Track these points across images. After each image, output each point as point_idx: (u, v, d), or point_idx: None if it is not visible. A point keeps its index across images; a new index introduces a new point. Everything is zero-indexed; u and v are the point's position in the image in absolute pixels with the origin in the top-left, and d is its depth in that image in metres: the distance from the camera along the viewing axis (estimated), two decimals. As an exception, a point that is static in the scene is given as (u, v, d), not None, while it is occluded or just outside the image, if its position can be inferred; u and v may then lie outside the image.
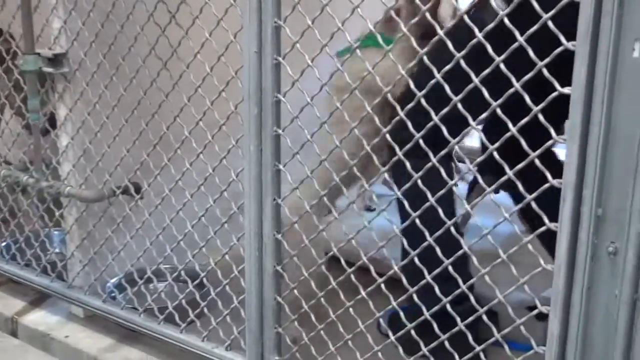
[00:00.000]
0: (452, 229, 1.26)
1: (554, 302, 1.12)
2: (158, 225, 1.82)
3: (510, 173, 1.15)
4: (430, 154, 1.26)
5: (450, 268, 1.28)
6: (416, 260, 1.33)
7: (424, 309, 1.34)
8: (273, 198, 1.53)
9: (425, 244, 1.31)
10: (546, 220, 1.09)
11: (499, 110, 1.15)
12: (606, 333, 1.08)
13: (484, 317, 1.26)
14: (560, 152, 1.17)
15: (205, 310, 1.77)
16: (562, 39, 1.02)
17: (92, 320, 2.11)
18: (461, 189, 2.29)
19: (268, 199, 1.54)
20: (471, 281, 1.28)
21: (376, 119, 1.35)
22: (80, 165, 2.00)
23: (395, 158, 1.32)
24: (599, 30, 0.99)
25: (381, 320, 1.41)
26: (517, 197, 1.76)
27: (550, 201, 1.10)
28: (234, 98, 1.56)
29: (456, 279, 1.29)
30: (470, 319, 1.27)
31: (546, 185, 1.08)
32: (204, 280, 1.97)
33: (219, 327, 1.72)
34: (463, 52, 1.16)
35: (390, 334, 1.42)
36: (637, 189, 1.00)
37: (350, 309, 1.46)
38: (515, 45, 1.09)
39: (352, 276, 1.45)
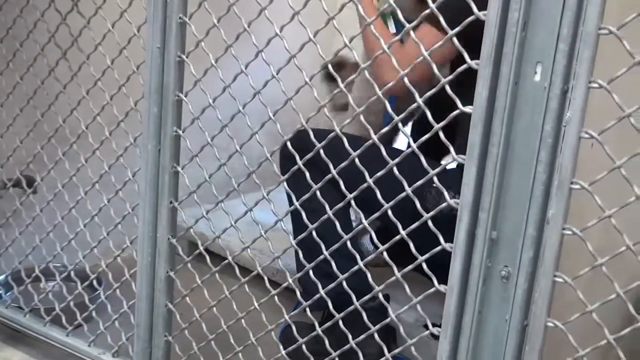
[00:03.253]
0: (349, 243, 1.23)
1: (444, 324, 1.09)
2: (49, 222, 1.73)
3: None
4: (331, 166, 1.22)
5: (344, 283, 1.24)
6: (311, 273, 1.30)
7: (316, 323, 1.30)
8: (170, 201, 1.47)
9: (321, 257, 1.27)
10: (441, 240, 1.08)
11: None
12: (495, 358, 1.06)
13: (376, 336, 1.23)
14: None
15: (94, 313, 1.69)
16: (466, 56, 1.00)
17: (-25, 318, 1.99)
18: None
19: (164, 201, 1.47)
20: (366, 297, 1.25)
21: None
22: (-29, 153, 1.90)
23: (294, 167, 1.28)
24: (502, 51, 0.97)
25: (273, 333, 1.36)
26: None
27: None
28: (134, 94, 1.49)
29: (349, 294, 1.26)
30: (363, 336, 1.24)
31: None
32: (95, 282, 1.89)
33: (107, 332, 1.64)
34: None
35: (281, 347, 1.37)
36: (532, 213, 0.99)
37: (242, 321, 1.41)
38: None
39: (246, 286, 1.40)
